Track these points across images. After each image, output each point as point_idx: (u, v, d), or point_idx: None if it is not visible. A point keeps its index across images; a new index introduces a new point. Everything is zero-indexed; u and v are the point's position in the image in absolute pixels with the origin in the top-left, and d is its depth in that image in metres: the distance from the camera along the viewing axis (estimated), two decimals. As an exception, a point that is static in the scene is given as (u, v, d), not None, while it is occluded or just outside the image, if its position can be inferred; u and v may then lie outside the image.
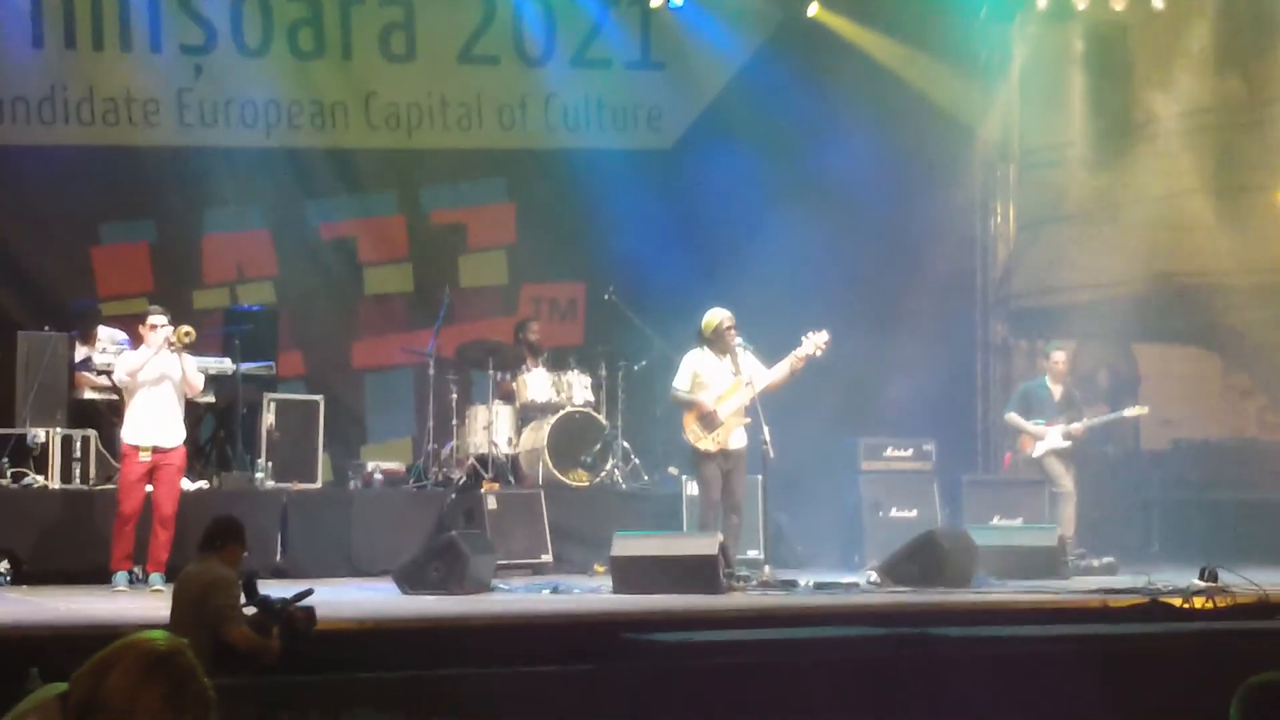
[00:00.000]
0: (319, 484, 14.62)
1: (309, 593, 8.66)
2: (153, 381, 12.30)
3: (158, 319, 12.35)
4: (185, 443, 12.59)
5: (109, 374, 13.32)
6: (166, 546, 12.12)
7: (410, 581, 12.06)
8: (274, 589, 8.94)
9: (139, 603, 11.24)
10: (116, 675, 3.55)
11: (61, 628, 9.71)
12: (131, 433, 12.33)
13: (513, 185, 17.37)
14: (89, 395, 13.91)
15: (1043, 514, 14.80)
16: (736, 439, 12.82)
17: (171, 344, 12.21)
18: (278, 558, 13.66)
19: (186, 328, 12.40)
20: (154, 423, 12.29)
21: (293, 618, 8.38)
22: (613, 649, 9.04)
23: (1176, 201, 16.96)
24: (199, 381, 12.63)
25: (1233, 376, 16.77)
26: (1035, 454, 14.87)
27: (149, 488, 12.30)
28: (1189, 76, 17.00)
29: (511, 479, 15.02)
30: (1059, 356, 15.15)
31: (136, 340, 12.94)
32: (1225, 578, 11.61)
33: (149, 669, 3.55)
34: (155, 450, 12.23)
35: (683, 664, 8.74)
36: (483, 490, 14.34)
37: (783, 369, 12.80)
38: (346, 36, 16.72)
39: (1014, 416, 15.11)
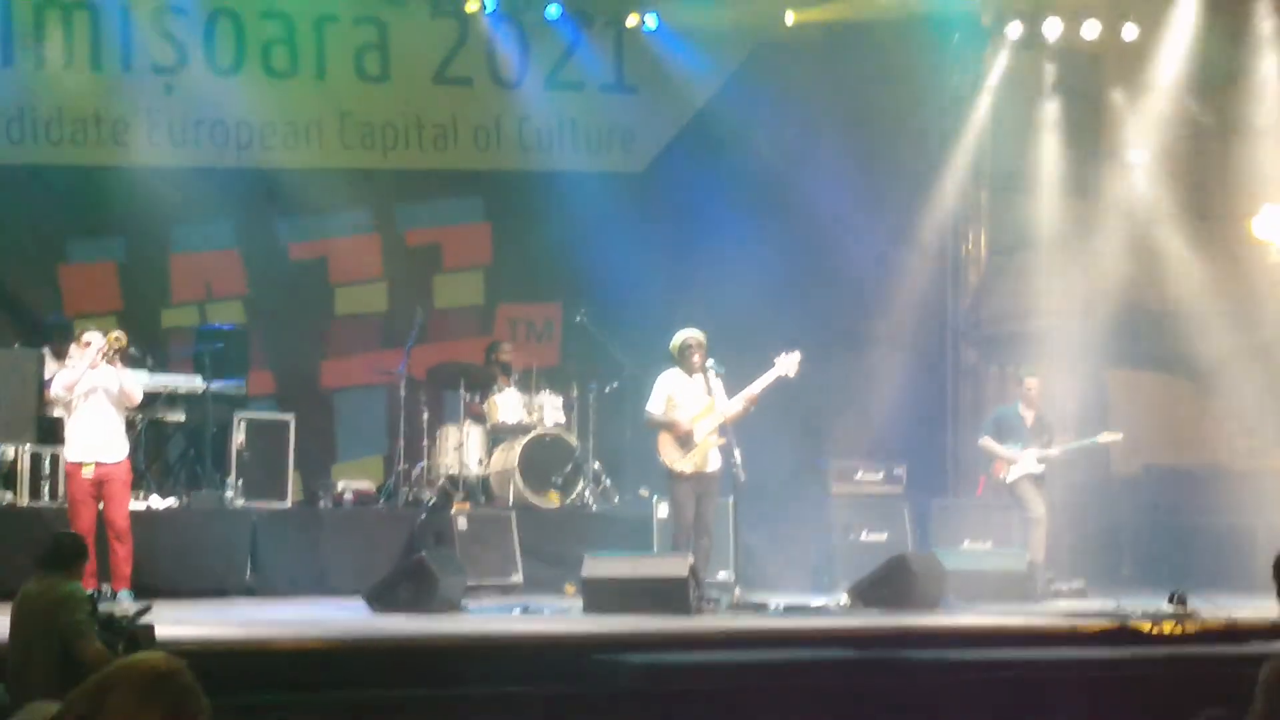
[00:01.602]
0: (289, 503, 14.58)
1: (148, 609, 8.66)
2: (90, 395, 12.21)
3: (91, 335, 12.29)
4: (129, 456, 12.51)
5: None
6: (128, 560, 12.09)
7: (380, 601, 12.02)
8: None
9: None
10: (117, 696, 3.56)
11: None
12: (72, 450, 12.27)
13: (488, 205, 17.36)
14: (59, 413, 13.83)
15: (1012, 538, 14.81)
16: (713, 461, 12.81)
17: (104, 353, 12.14)
18: (247, 577, 13.62)
19: (116, 333, 12.35)
20: (94, 438, 12.21)
21: (135, 635, 8.36)
22: (582, 670, 9.02)
23: (1148, 228, 17.02)
24: (137, 392, 12.50)
25: (1203, 403, 16.81)
26: (1009, 479, 14.84)
27: (100, 505, 12.20)
28: (1161, 104, 17.08)
29: (482, 499, 15.01)
30: (1032, 383, 15.16)
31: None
32: (1194, 603, 11.63)
33: (149, 689, 3.56)
34: (98, 465, 12.14)
35: (652, 686, 8.73)
36: (453, 511, 14.32)
37: (737, 404, 12.78)
38: (320, 56, 16.70)
39: (988, 441, 15.10)
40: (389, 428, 15.99)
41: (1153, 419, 17.20)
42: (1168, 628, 10.96)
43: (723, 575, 13.47)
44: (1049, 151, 17.62)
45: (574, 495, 15.19)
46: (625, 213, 16.75)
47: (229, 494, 14.12)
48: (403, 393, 15.19)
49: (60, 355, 14.02)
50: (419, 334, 15.52)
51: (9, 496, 13.19)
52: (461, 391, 15.26)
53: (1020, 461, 14.75)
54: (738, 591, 12.57)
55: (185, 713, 3.58)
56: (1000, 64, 17.60)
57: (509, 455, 15.07)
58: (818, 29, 17.43)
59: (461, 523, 14.14)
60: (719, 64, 17.64)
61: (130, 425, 12.84)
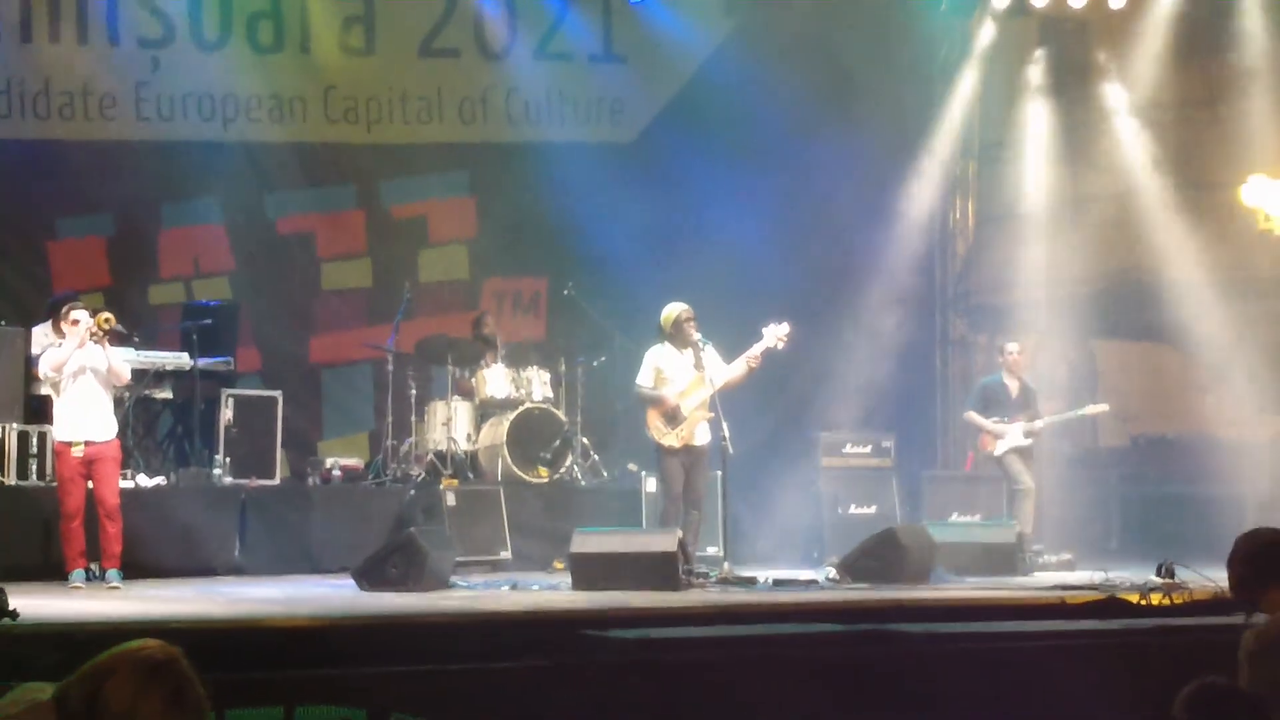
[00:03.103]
0: (277, 480, 14.57)
1: None
2: (78, 375, 12.19)
3: (79, 313, 12.25)
4: (118, 435, 12.48)
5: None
6: (117, 539, 12.07)
7: (369, 578, 12.02)
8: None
9: (96, 600, 11.16)
10: (115, 683, 3.55)
11: (18, 626, 9.62)
12: (62, 429, 12.25)
13: (474, 179, 17.32)
14: (46, 391, 13.80)
15: (1001, 510, 14.84)
16: (701, 434, 12.82)
17: (93, 333, 12.13)
18: (236, 555, 13.62)
19: (106, 314, 12.32)
20: (84, 417, 12.18)
21: None
22: (571, 645, 9.01)
23: (1136, 198, 17.01)
24: (126, 372, 12.50)
25: (1191, 373, 16.83)
26: (996, 452, 14.87)
27: (90, 484, 12.19)
28: (1148, 73, 17.06)
29: (470, 475, 15.01)
30: (1012, 348, 15.17)
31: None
32: (1182, 573, 11.65)
33: (148, 676, 3.56)
34: (88, 444, 12.12)
35: (641, 661, 8.72)
36: (442, 486, 14.32)
37: (739, 367, 12.82)
38: (305, 30, 16.65)
39: (973, 415, 15.12)
40: (376, 404, 16.00)
41: (1140, 389, 17.23)
42: (1156, 599, 10.96)
43: (711, 549, 13.49)
44: (1037, 121, 17.61)
45: (562, 470, 15.19)
46: (614, 184, 16.69)
47: (217, 471, 14.11)
48: (390, 368, 15.18)
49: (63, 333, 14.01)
50: (407, 308, 15.51)
51: (-4, 475, 13.17)
52: (449, 367, 15.25)
53: (1007, 435, 14.77)
54: (726, 565, 12.58)
55: (184, 700, 3.58)
56: (988, 33, 17.58)
57: (497, 431, 15.06)
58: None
59: (450, 499, 14.15)
60: (707, 33, 17.58)
61: (117, 403, 12.82)
